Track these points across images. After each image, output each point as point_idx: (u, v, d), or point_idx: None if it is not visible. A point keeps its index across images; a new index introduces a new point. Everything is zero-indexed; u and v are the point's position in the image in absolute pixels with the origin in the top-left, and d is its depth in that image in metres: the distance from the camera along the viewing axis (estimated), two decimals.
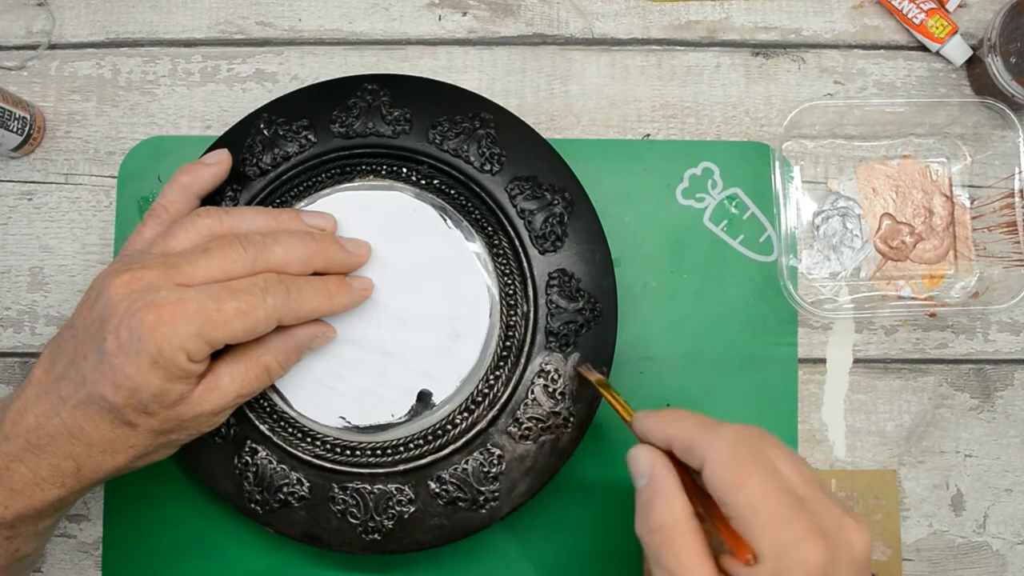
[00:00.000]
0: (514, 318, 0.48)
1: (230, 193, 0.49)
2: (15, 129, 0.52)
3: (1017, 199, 0.51)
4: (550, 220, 0.49)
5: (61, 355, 0.40)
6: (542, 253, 0.49)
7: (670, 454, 0.38)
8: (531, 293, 0.48)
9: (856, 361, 0.54)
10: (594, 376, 0.46)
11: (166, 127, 0.55)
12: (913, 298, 0.54)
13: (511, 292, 0.48)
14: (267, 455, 0.47)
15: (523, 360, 0.48)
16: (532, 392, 0.47)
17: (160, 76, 0.55)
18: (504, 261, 0.49)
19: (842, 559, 0.34)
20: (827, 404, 0.53)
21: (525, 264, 0.48)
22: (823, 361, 0.53)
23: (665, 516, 0.36)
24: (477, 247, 0.49)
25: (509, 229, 0.49)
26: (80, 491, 0.41)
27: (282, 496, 0.47)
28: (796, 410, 0.53)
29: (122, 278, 0.39)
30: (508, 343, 0.48)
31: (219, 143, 0.50)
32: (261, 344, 0.42)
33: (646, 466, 0.38)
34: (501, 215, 0.49)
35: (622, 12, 0.55)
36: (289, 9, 0.56)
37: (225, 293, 0.39)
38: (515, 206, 0.49)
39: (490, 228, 0.49)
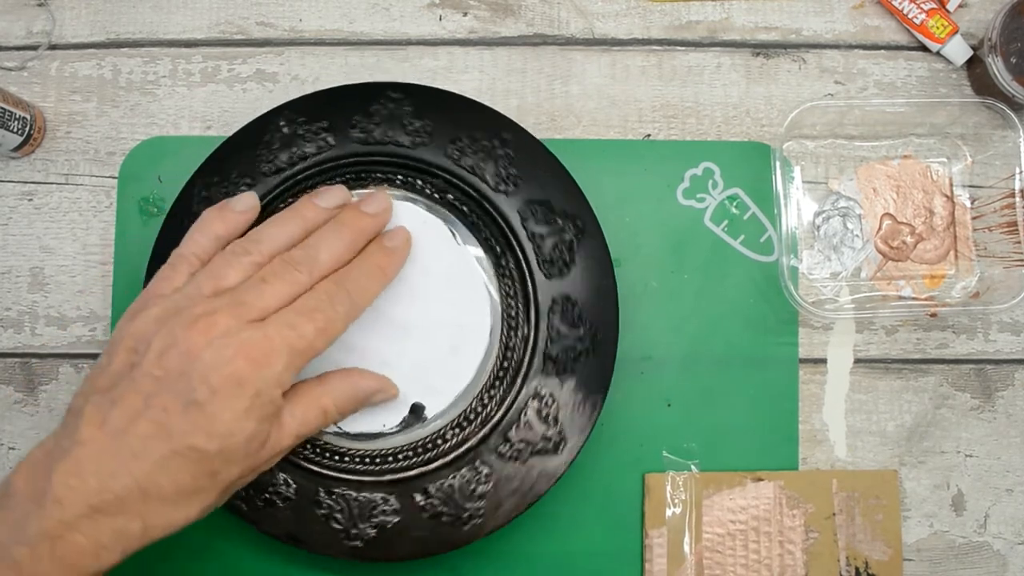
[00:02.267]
0: (514, 340, 0.48)
1: (243, 188, 0.49)
2: (15, 129, 0.52)
3: (1018, 199, 0.51)
4: (559, 246, 0.48)
5: (118, 409, 0.38)
6: (548, 277, 0.48)
7: None
8: (533, 316, 0.48)
9: (857, 361, 0.54)
10: None
11: (166, 127, 0.55)
12: (914, 298, 0.54)
13: (513, 314, 0.48)
14: None
15: (519, 382, 0.47)
16: (525, 415, 0.47)
17: (160, 76, 0.55)
18: (509, 282, 0.49)
19: None
20: (828, 404, 0.53)
21: (530, 287, 0.48)
22: (824, 361, 0.53)
23: None
24: (484, 265, 0.49)
25: (517, 251, 0.48)
26: (134, 552, 0.38)
27: (267, 495, 0.47)
28: (797, 410, 0.53)
29: (196, 328, 0.38)
30: (505, 364, 0.48)
31: (234, 138, 0.49)
32: (322, 384, 0.43)
33: None
34: (511, 236, 0.49)
35: (623, 12, 0.55)
36: (289, 9, 0.56)
37: (300, 319, 0.39)
38: (526, 229, 0.49)
39: (499, 248, 0.49)
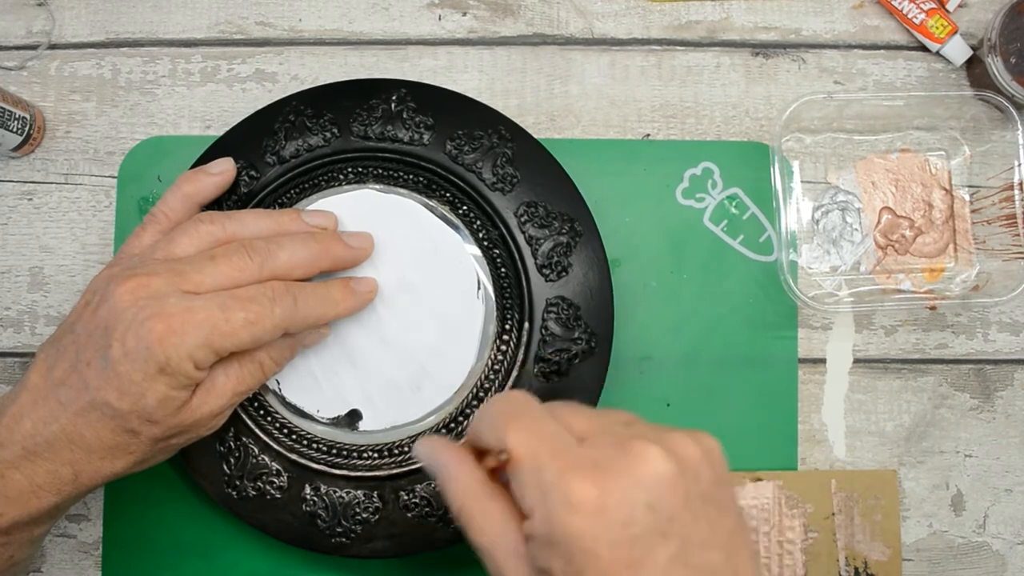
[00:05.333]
0: (506, 340, 0.48)
1: (243, 180, 0.49)
2: (15, 129, 0.52)
3: (1016, 192, 0.51)
4: (557, 249, 0.49)
5: (60, 360, 0.40)
6: (545, 280, 0.48)
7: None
8: (527, 318, 0.48)
9: (856, 361, 0.54)
10: None
11: (166, 127, 0.55)
12: (913, 291, 0.54)
13: (508, 316, 0.48)
14: (249, 443, 0.48)
15: (509, 384, 0.47)
16: None
17: (160, 76, 0.55)
18: (506, 283, 0.49)
19: (624, 486, 0.30)
20: (827, 404, 0.53)
21: (525, 288, 0.48)
22: (823, 361, 0.53)
23: (457, 495, 0.34)
24: (480, 263, 0.48)
25: (514, 251, 0.49)
26: (76, 497, 0.41)
27: (256, 487, 0.47)
28: (796, 410, 0.53)
29: (128, 284, 0.39)
30: (496, 366, 0.48)
31: (236, 130, 0.50)
32: None
33: (426, 456, 0.36)
34: (507, 235, 0.49)
35: (622, 12, 0.55)
36: (289, 9, 0.56)
37: (233, 303, 0.39)
38: (523, 232, 0.49)
39: (495, 248, 0.49)
